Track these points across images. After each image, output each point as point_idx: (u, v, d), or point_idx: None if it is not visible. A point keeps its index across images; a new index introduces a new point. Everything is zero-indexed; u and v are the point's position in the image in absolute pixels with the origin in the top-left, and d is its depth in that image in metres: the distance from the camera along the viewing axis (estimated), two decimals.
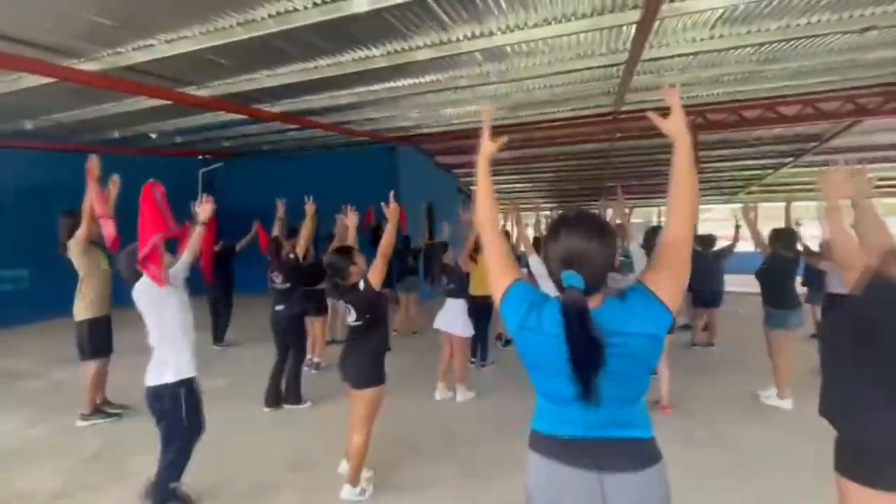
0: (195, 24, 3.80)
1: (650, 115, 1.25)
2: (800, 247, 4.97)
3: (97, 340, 3.90)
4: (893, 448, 1.52)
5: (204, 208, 2.72)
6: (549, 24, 3.87)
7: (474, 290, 4.89)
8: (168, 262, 2.56)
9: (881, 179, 12.22)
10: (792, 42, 4.51)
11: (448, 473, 3.11)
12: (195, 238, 2.67)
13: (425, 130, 8.79)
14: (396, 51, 4.43)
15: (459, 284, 4.72)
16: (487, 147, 1.54)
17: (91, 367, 3.93)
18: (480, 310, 5.02)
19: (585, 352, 1.15)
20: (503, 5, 3.60)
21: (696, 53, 4.78)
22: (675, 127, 1.27)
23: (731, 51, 4.76)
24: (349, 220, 3.37)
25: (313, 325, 5.36)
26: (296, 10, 3.55)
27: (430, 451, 3.44)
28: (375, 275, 2.69)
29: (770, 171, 11.20)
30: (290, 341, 4.21)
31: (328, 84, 5.46)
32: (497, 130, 7.41)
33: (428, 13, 3.65)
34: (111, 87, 4.84)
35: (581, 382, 1.17)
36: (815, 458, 2.18)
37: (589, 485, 1.23)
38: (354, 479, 2.79)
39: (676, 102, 1.29)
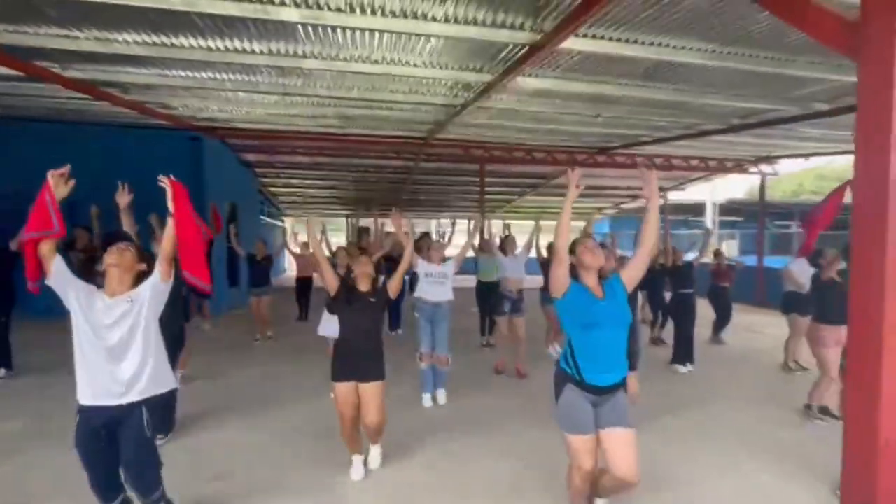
0: None
1: (644, 172, 2.23)
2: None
3: None
4: None
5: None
6: (427, 67, 4.81)
7: None
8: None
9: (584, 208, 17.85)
10: (557, 114, 6.77)
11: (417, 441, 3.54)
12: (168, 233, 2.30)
13: (240, 125, 8.30)
14: (282, 53, 4.52)
15: None
16: (574, 194, 2.28)
17: None
18: None
19: None
20: (396, 44, 4.33)
21: (504, 108, 6.54)
22: (650, 193, 2.21)
23: (523, 112, 6.73)
24: (122, 200, 3.20)
25: None
26: None
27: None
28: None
29: (516, 196, 14.95)
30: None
31: (164, 63, 4.89)
32: (314, 136, 7.86)
33: (335, 33, 4.04)
34: None
35: None
36: None
37: None
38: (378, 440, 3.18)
39: (654, 183, 2.21)
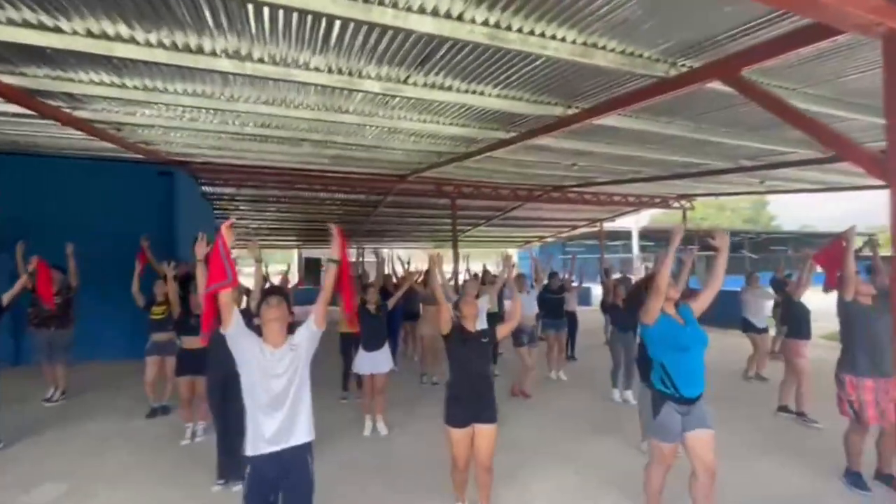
0: None
1: (718, 235, 2.87)
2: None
3: None
4: None
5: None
6: (450, 125, 5.37)
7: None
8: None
9: (527, 236, 19.22)
10: (538, 161, 7.66)
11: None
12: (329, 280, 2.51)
13: (218, 160, 8.10)
14: (325, 108, 4.81)
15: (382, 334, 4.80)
16: (675, 246, 2.82)
17: None
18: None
19: None
20: (439, 108, 4.85)
21: (493, 156, 7.27)
22: (722, 246, 2.82)
23: (508, 159, 7.50)
24: (200, 251, 3.11)
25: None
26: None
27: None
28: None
29: (470, 227, 15.84)
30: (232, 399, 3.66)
31: (196, 110, 4.90)
32: (292, 173, 7.86)
33: (391, 97, 4.45)
34: None
35: None
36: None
37: None
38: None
39: (726, 242, 2.87)
